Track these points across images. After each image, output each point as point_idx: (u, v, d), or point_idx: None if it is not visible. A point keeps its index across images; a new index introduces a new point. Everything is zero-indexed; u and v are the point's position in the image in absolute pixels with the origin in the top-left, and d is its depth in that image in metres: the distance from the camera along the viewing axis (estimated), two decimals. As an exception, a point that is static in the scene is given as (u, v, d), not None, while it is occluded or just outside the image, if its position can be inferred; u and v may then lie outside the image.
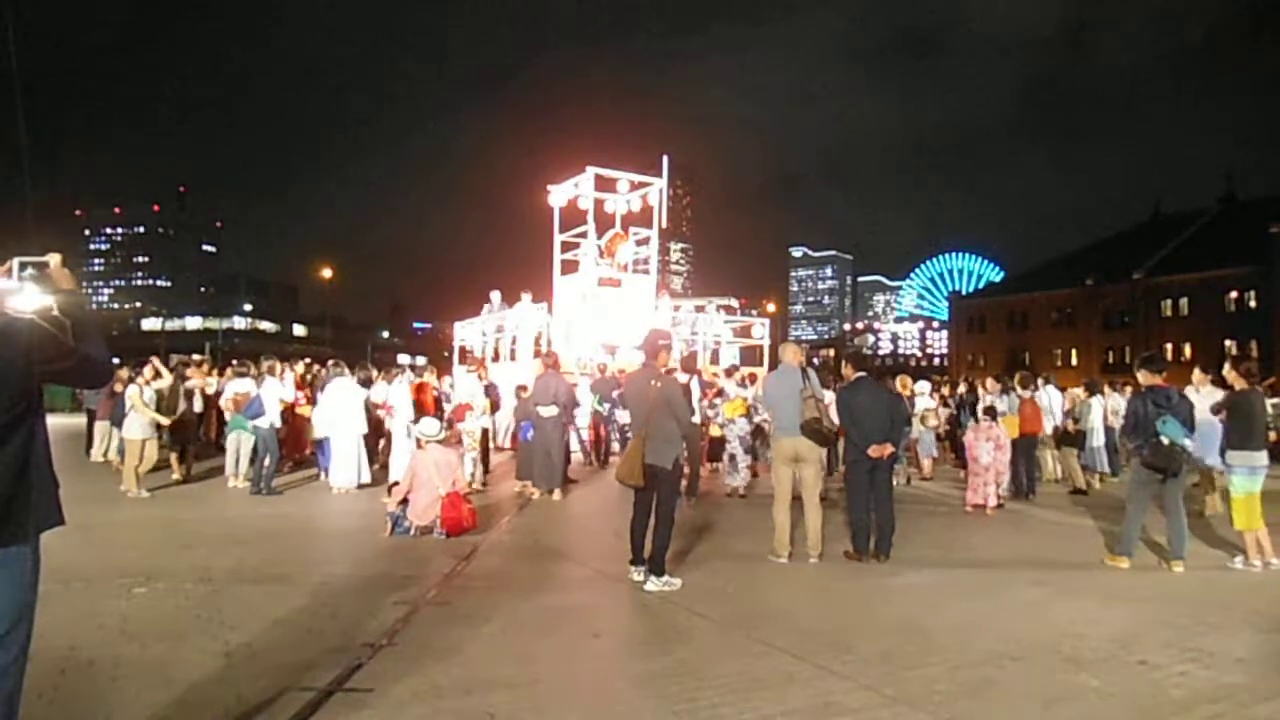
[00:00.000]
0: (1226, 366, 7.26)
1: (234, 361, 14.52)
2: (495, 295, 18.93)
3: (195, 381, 12.88)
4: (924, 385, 13.87)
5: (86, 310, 2.60)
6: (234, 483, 10.46)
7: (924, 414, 12.66)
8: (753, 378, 13.22)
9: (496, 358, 17.46)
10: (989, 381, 12.88)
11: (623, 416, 12.45)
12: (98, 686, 3.81)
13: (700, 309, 19.88)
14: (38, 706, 3.33)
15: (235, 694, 3.68)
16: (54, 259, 2.58)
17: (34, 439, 2.39)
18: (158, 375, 10.71)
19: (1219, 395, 8.96)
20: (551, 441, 10.08)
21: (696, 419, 9.93)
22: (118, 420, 10.99)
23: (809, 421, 6.65)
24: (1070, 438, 12.00)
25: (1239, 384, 7.02)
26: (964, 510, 9.69)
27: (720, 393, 11.55)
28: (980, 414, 10.39)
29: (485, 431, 11.37)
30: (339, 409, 10.48)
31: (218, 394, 12.94)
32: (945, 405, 14.98)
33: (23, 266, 2.54)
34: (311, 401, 11.78)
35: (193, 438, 12.07)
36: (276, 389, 10.65)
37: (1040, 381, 12.59)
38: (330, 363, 12.08)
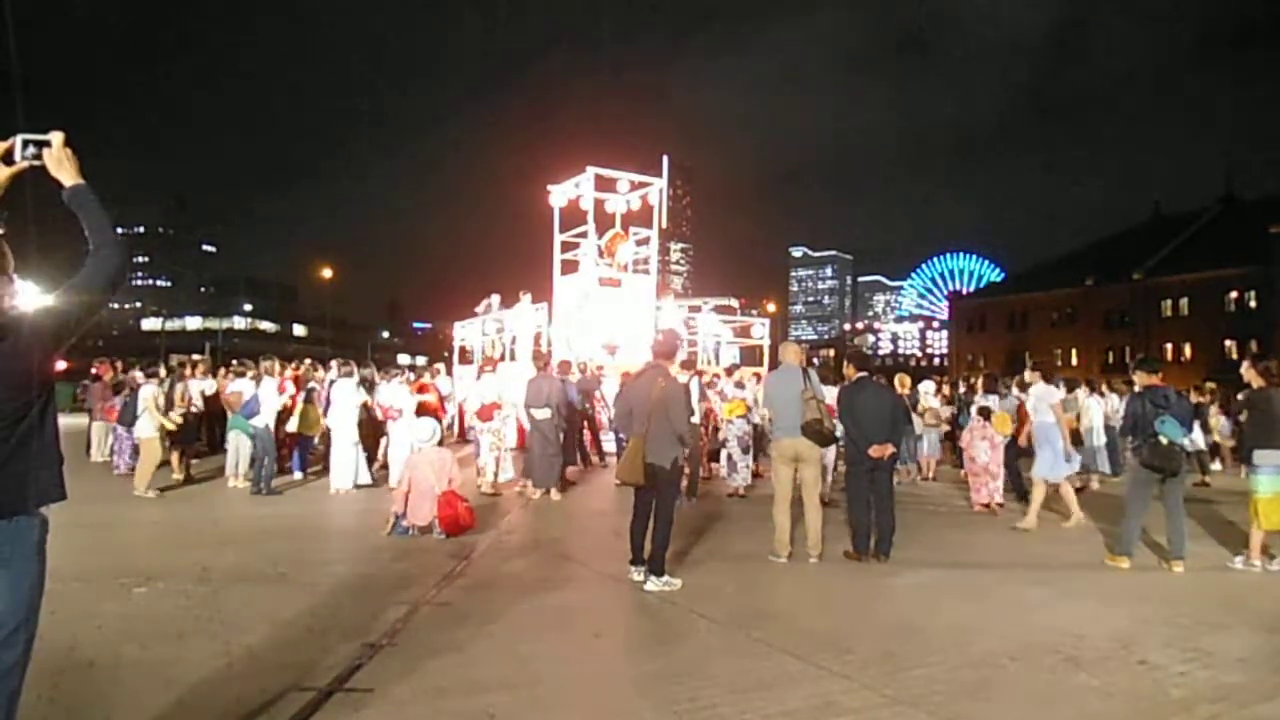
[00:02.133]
0: (1245, 365, 7.13)
1: (234, 361, 14.50)
2: (495, 299, 18.93)
3: (195, 382, 12.86)
4: (928, 385, 13.87)
5: (90, 198, 2.50)
6: (234, 483, 10.45)
7: (924, 411, 12.66)
8: (758, 377, 13.19)
9: (501, 358, 17.44)
10: (978, 383, 12.91)
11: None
12: (98, 686, 3.82)
13: (695, 309, 19.85)
14: (38, 706, 3.33)
15: (235, 694, 3.68)
16: (57, 137, 2.49)
17: (44, 421, 2.42)
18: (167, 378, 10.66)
19: (1057, 395, 8.97)
20: (547, 443, 10.07)
21: (696, 419, 9.93)
22: (128, 420, 10.92)
23: (810, 422, 6.66)
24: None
25: (1257, 382, 6.93)
26: (969, 510, 9.72)
27: (719, 393, 11.54)
28: (974, 414, 10.42)
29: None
30: (342, 410, 10.46)
31: (215, 395, 12.93)
32: (949, 404, 14.99)
33: (25, 144, 2.47)
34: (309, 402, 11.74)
35: (193, 438, 12.05)
36: (273, 389, 10.61)
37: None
38: (338, 362, 12.06)
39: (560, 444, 10.45)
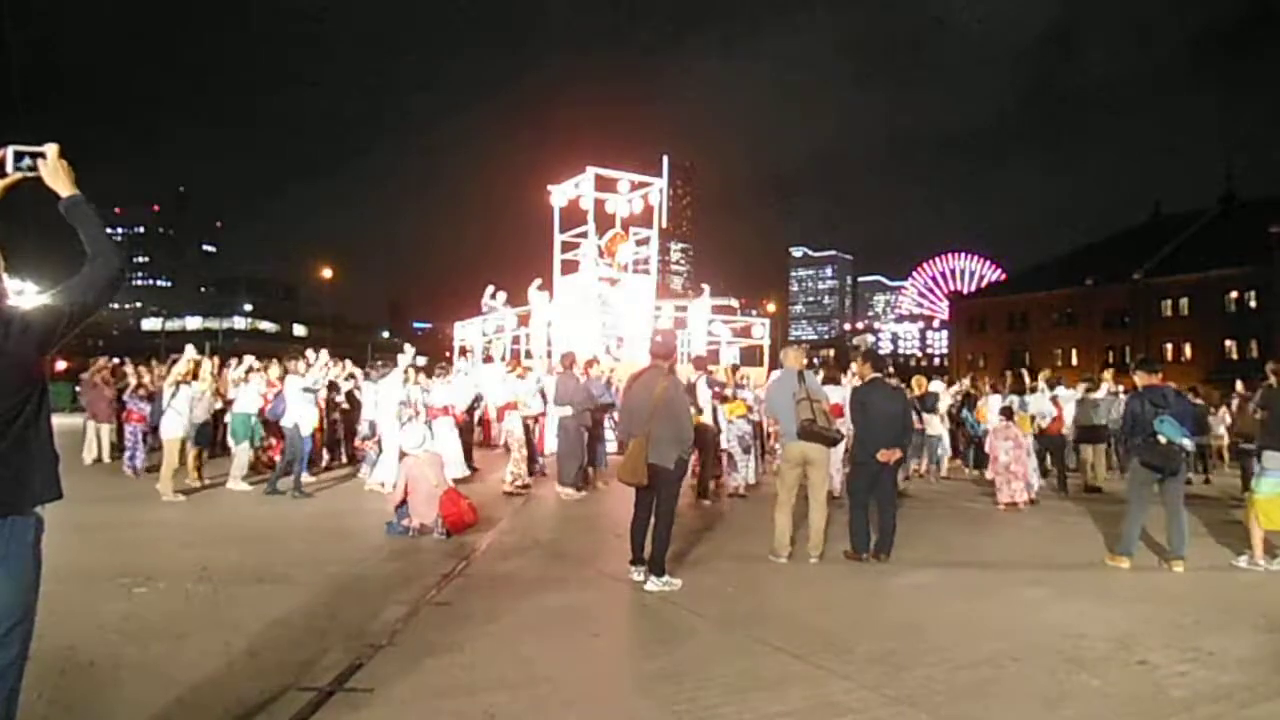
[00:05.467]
0: (1270, 365, 7.12)
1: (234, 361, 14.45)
2: (501, 295, 18.90)
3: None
4: (939, 385, 13.96)
5: (86, 209, 2.51)
6: (233, 484, 10.42)
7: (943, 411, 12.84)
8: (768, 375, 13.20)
9: (528, 356, 17.33)
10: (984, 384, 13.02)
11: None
12: (98, 686, 3.81)
13: (682, 309, 19.76)
14: (38, 706, 3.32)
15: (235, 694, 3.68)
16: (51, 149, 2.50)
17: (38, 419, 2.43)
18: (195, 377, 10.52)
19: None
20: (571, 441, 10.06)
21: (707, 418, 9.98)
22: (156, 420, 10.73)
23: (803, 423, 6.62)
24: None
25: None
26: (973, 510, 9.80)
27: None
28: (998, 414, 10.58)
29: (528, 431, 11.37)
30: (386, 408, 10.37)
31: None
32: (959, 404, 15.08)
33: (19, 156, 2.48)
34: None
35: (207, 440, 11.97)
36: (299, 388, 10.42)
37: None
38: (379, 362, 12.07)
39: (583, 443, 10.44)
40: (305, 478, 11.17)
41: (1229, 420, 14.83)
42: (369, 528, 7.92)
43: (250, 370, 11.50)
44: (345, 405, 13.17)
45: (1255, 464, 7.17)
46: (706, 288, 20.55)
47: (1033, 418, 11.17)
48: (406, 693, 3.75)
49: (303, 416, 10.26)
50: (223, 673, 3.98)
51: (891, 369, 9.63)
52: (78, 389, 17.49)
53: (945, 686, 3.96)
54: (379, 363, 11.91)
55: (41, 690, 3.45)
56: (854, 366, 8.78)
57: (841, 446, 8.55)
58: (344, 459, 13.28)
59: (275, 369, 11.29)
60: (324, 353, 12.49)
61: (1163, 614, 5.37)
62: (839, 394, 9.58)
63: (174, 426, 9.88)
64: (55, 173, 2.51)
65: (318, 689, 3.73)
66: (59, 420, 2.55)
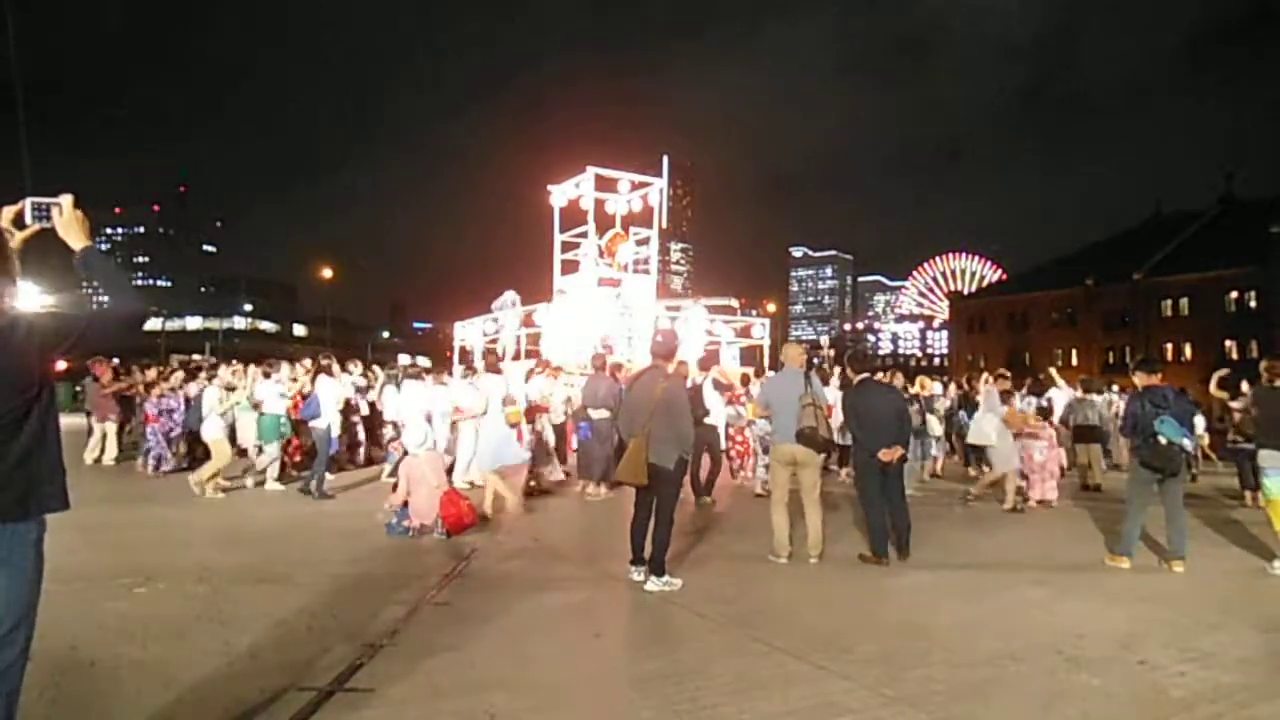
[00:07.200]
0: (1264, 364, 7.13)
1: (267, 362, 14.43)
2: (508, 295, 18.89)
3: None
4: (938, 387, 13.97)
5: (101, 261, 2.52)
6: (251, 482, 10.41)
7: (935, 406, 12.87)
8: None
9: (517, 357, 17.32)
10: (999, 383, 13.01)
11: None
12: (98, 686, 3.82)
13: (676, 309, 19.70)
14: (38, 706, 3.33)
15: (235, 694, 3.68)
16: (66, 200, 2.50)
17: (45, 425, 2.42)
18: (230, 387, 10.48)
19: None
20: (604, 442, 10.10)
21: (718, 420, 9.99)
22: (194, 424, 10.63)
23: (804, 429, 6.58)
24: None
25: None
26: (970, 510, 9.87)
27: (736, 397, 11.63)
28: (1034, 413, 10.70)
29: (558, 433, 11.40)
30: (413, 410, 10.36)
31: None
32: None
33: (36, 208, 2.49)
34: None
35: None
36: (333, 389, 10.39)
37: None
38: (408, 364, 12.09)
39: (615, 444, 10.47)
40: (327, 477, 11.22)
41: (1205, 420, 14.88)
42: (369, 528, 7.92)
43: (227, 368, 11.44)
44: (365, 410, 13.15)
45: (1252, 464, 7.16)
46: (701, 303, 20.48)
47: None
48: (406, 693, 3.76)
49: (335, 419, 10.24)
50: (223, 673, 3.98)
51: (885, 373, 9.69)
52: (78, 389, 17.45)
53: (945, 686, 3.96)
54: (399, 367, 11.92)
55: (42, 690, 3.46)
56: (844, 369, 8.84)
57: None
58: (360, 460, 13.24)
59: (298, 369, 11.31)
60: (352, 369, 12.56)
61: (1163, 614, 5.37)
62: (830, 395, 9.63)
63: (215, 428, 9.87)
64: (70, 225, 2.51)
65: (318, 689, 3.73)
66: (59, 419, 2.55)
